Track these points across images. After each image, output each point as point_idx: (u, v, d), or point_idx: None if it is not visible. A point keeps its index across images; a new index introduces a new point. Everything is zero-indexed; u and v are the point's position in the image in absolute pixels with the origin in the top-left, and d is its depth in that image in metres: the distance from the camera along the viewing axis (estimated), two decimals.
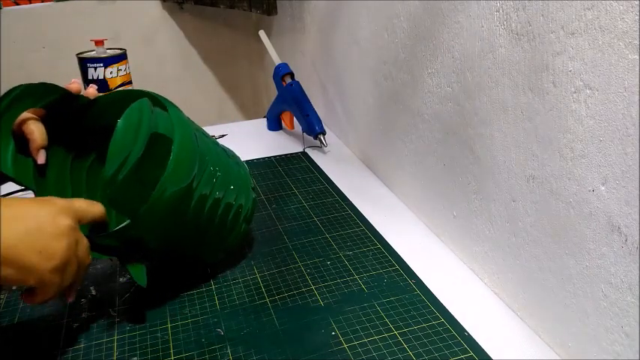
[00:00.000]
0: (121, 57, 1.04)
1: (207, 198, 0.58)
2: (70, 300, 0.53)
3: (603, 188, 0.43)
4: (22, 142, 0.58)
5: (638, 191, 0.40)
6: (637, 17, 0.37)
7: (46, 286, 0.47)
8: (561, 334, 0.51)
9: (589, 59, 0.42)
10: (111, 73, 1.01)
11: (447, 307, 0.58)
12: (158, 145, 0.55)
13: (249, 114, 1.83)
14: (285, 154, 1.00)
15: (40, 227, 0.46)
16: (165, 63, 1.66)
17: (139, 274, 0.55)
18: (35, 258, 0.45)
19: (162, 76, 1.62)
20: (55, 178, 0.62)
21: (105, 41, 1.06)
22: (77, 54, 1.05)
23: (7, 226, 0.43)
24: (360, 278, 0.63)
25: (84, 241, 0.51)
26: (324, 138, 1.00)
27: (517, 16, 0.49)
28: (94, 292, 0.63)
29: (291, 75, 1.04)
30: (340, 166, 0.95)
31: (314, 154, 1.00)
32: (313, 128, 1.00)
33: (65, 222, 0.48)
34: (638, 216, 0.40)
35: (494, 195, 0.58)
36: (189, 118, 0.60)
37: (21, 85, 0.55)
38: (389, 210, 0.80)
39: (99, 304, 0.61)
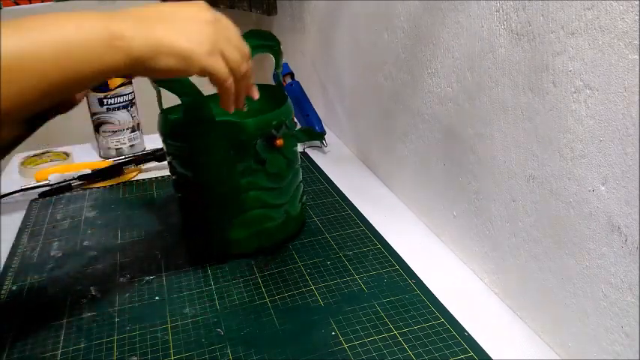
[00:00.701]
0: None
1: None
2: (256, 95, 0.58)
3: (603, 188, 0.43)
4: None
5: (638, 191, 0.40)
6: (637, 17, 0.37)
7: (214, 71, 0.49)
8: (561, 334, 0.51)
9: (589, 59, 0.42)
10: None
11: (447, 307, 0.58)
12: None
13: None
14: None
15: (183, 18, 0.48)
16: None
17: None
18: (186, 44, 0.47)
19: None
20: None
21: None
22: None
23: (153, 22, 0.46)
24: (360, 278, 0.63)
25: (234, 30, 0.53)
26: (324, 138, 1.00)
27: (517, 16, 0.49)
28: (94, 292, 0.63)
29: (291, 75, 1.04)
30: (340, 166, 0.95)
31: (314, 154, 1.00)
32: (313, 128, 1.00)
33: (208, 14, 0.50)
34: (638, 216, 0.40)
35: (494, 195, 0.58)
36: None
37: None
38: (389, 210, 0.80)
39: (99, 304, 0.61)
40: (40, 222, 0.80)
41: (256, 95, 0.58)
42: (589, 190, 0.45)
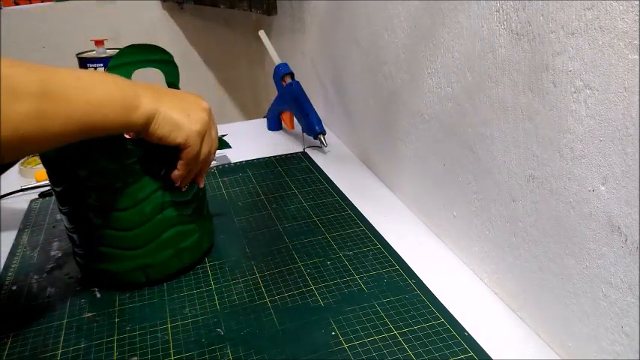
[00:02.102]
0: None
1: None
2: (201, 185, 0.66)
3: (603, 188, 0.43)
4: None
5: (638, 191, 0.40)
6: (637, 17, 0.37)
7: (191, 147, 0.58)
8: (561, 334, 0.51)
9: (589, 59, 0.42)
10: None
11: (447, 307, 0.58)
12: None
13: (249, 114, 1.83)
14: (285, 154, 1.00)
15: (188, 100, 0.59)
16: None
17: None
18: (184, 118, 0.57)
19: (162, 76, 1.62)
20: None
21: (105, 41, 1.06)
22: (77, 54, 1.05)
23: (163, 99, 0.56)
24: (360, 278, 0.63)
25: (216, 128, 0.63)
26: (324, 138, 1.00)
27: (517, 16, 0.49)
28: (94, 292, 0.63)
29: (291, 75, 1.04)
30: (340, 166, 0.95)
31: (314, 154, 1.00)
32: (313, 128, 1.00)
33: (206, 104, 0.61)
34: (638, 216, 0.40)
35: (494, 195, 0.58)
36: None
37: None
38: (389, 210, 0.80)
39: (99, 304, 0.61)
40: (40, 222, 0.80)
41: (202, 184, 0.66)
42: (589, 190, 0.45)
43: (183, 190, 0.63)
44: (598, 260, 0.45)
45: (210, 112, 0.61)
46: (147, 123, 0.54)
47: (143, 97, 0.53)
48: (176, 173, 0.60)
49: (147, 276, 0.63)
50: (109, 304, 0.61)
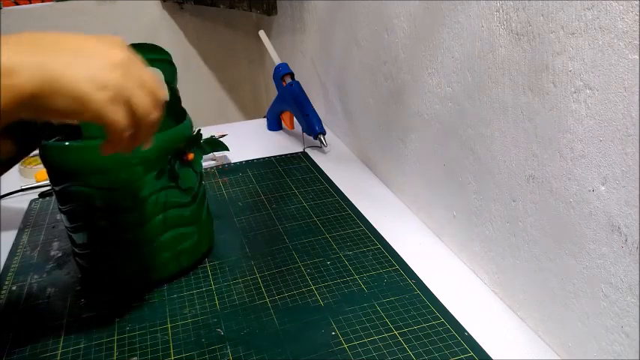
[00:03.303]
0: None
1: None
2: (148, 146, 0.48)
3: (603, 188, 0.43)
4: None
5: (638, 191, 0.40)
6: (637, 17, 0.37)
7: (111, 122, 0.42)
8: (561, 334, 0.51)
9: (589, 59, 0.42)
10: None
11: (447, 307, 0.58)
12: None
13: (249, 114, 1.83)
14: (285, 154, 1.00)
15: (91, 54, 0.42)
16: None
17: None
18: (87, 87, 0.40)
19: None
20: None
21: None
22: None
23: (52, 52, 0.40)
24: (360, 278, 0.63)
25: (149, 73, 0.45)
26: (324, 138, 1.00)
27: (517, 16, 0.49)
28: (94, 292, 0.63)
29: (291, 75, 1.04)
30: (340, 166, 0.95)
31: (314, 154, 1.00)
32: (313, 128, 1.00)
33: (120, 54, 0.43)
34: (638, 216, 0.40)
35: (494, 195, 0.58)
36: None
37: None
38: (389, 210, 0.80)
39: (99, 304, 0.61)
40: (40, 222, 0.80)
41: (149, 146, 0.49)
42: (589, 190, 0.45)
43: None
44: (598, 260, 0.45)
45: (128, 61, 0.44)
46: (32, 95, 0.38)
47: (18, 62, 0.38)
48: (103, 147, 0.45)
49: (145, 278, 0.63)
50: (110, 305, 0.61)
